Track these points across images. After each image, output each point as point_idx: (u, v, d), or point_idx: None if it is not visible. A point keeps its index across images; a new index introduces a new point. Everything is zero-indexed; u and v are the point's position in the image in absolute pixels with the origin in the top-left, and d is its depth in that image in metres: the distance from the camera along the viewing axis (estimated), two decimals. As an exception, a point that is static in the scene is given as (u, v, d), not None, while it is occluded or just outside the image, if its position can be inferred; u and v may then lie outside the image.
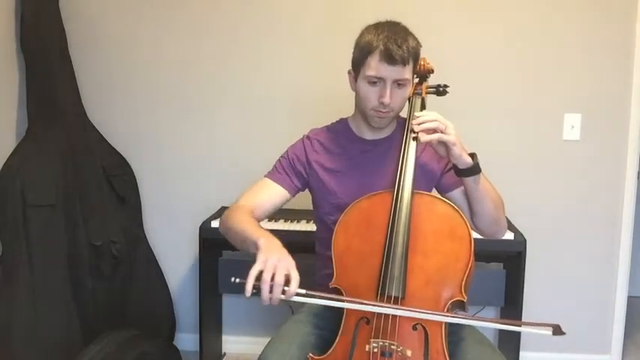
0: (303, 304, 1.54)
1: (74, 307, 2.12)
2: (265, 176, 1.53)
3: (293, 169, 1.51)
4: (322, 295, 1.19)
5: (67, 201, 2.15)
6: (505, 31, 2.40)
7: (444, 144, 1.31)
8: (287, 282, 1.12)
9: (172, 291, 2.58)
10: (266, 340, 1.38)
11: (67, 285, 2.11)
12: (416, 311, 1.20)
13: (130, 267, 2.40)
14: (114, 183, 2.37)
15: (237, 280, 1.12)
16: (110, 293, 2.30)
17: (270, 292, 1.11)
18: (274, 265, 1.12)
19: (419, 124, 1.30)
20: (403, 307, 1.21)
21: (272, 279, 1.11)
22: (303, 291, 1.14)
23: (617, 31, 2.36)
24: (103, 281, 2.27)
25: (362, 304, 1.20)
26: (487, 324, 1.23)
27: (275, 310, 2.47)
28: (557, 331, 1.12)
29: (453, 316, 1.23)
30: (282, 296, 1.12)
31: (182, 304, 2.62)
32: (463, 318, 1.23)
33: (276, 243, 1.21)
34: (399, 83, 1.38)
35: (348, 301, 1.22)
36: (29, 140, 2.18)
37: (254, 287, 1.11)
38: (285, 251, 1.19)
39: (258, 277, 1.11)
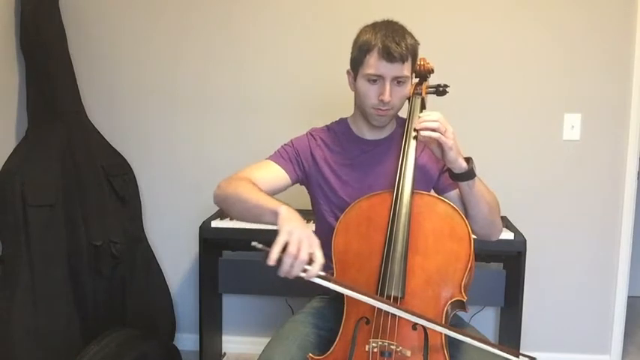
0: (304, 304, 1.55)
1: (74, 307, 2.12)
2: (268, 158, 1.50)
3: (296, 159, 1.50)
4: (339, 282, 1.16)
5: (67, 201, 2.15)
6: (505, 30, 2.40)
7: (440, 146, 1.32)
8: (310, 261, 1.11)
9: (172, 291, 2.58)
10: (266, 340, 1.38)
11: (67, 285, 2.11)
12: (430, 320, 1.18)
13: (130, 267, 2.40)
14: (114, 183, 2.37)
15: (260, 245, 1.09)
16: (110, 293, 2.30)
17: (291, 266, 1.09)
18: (299, 239, 1.10)
19: (420, 123, 1.31)
20: (416, 313, 1.18)
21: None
22: (323, 273, 1.12)
23: (617, 30, 2.36)
24: (103, 281, 2.26)
25: (375, 299, 1.17)
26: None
27: (275, 310, 2.52)
28: None
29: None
30: (302, 274, 1.10)
31: (182, 304, 2.62)
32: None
33: (298, 216, 1.19)
34: (398, 81, 1.39)
35: (363, 294, 1.16)
36: (29, 140, 2.18)
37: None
38: (308, 227, 1.16)
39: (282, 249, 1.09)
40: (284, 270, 1.09)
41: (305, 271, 1.10)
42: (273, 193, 1.43)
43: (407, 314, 1.17)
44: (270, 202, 1.24)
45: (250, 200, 1.28)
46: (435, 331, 1.21)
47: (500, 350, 1.19)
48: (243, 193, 1.31)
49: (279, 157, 1.50)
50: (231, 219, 2.24)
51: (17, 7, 2.22)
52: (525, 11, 2.38)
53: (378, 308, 1.21)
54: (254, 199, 1.28)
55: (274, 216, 1.18)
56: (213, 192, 1.41)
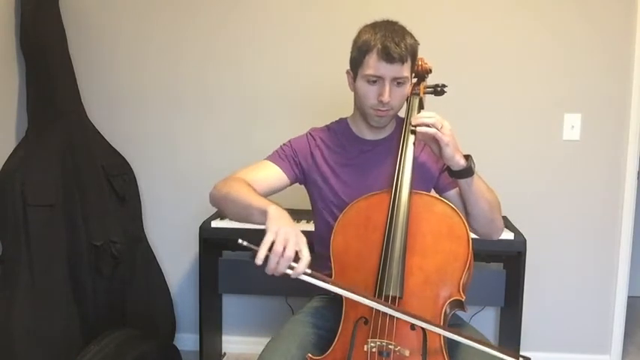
0: (304, 303, 1.55)
1: (74, 307, 2.12)
2: (266, 159, 1.51)
3: (294, 159, 1.51)
4: (326, 278, 1.17)
5: (67, 201, 2.15)
6: (504, 30, 2.40)
7: (437, 142, 1.32)
8: (296, 259, 1.12)
9: (172, 291, 2.58)
10: (266, 340, 1.38)
11: (67, 285, 2.11)
12: (416, 318, 1.18)
13: (130, 267, 2.40)
14: (114, 183, 2.37)
15: (246, 243, 1.10)
16: (110, 293, 2.30)
17: (277, 264, 1.11)
18: (286, 237, 1.12)
19: (417, 119, 1.34)
20: (405, 312, 1.19)
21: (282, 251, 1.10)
22: (309, 271, 1.13)
23: (617, 31, 2.36)
24: (103, 281, 2.27)
25: (363, 297, 1.17)
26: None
27: (275, 310, 2.52)
28: None
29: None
30: (289, 272, 1.11)
31: (182, 304, 2.62)
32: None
33: (286, 215, 1.20)
34: (397, 81, 1.39)
35: (349, 291, 1.17)
36: (29, 140, 2.18)
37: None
38: (295, 225, 1.18)
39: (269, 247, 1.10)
40: (270, 268, 1.11)
41: (292, 268, 1.11)
42: (271, 193, 1.44)
43: (401, 314, 1.18)
44: (259, 202, 1.25)
45: (241, 201, 1.30)
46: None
47: (498, 351, 1.19)
48: (235, 193, 1.32)
49: (276, 157, 1.51)
50: (223, 219, 2.25)
51: (17, 8, 2.22)
52: (525, 11, 2.38)
53: (376, 308, 1.21)
54: (245, 200, 1.29)
55: (263, 215, 1.19)
56: (210, 193, 1.42)
